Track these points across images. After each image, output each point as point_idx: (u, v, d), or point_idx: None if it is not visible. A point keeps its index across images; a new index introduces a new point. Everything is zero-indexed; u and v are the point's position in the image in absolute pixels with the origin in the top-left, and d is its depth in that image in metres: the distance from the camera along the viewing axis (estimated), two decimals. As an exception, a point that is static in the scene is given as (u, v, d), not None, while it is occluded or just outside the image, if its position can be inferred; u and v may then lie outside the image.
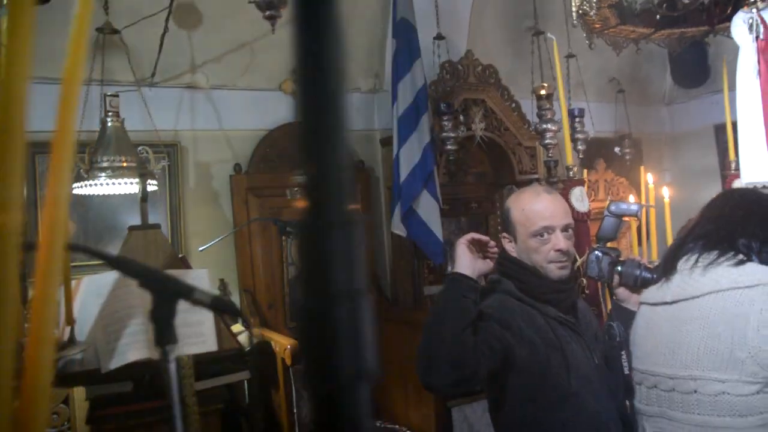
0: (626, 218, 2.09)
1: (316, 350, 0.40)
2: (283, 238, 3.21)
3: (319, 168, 0.41)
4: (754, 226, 1.72)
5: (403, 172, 3.36)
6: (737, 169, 2.73)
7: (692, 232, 1.83)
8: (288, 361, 2.72)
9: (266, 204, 3.56)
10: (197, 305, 0.89)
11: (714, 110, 4.60)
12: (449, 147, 3.46)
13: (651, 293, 1.80)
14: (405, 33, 3.51)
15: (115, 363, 1.83)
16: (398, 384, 3.50)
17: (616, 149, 4.71)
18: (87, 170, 2.57)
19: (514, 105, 4.00)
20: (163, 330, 0.89)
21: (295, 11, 0.42)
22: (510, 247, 1.90)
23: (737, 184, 2.98)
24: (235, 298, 3.52)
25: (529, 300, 1.82)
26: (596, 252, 2.00)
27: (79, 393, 2.44)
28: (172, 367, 0.91)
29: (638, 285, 1.91)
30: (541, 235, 1.81)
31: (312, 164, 0.42)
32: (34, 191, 3.05)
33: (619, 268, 1.94)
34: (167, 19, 2.98)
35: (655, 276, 1.86)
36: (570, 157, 2.43)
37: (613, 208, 2.05)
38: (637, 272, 1.91)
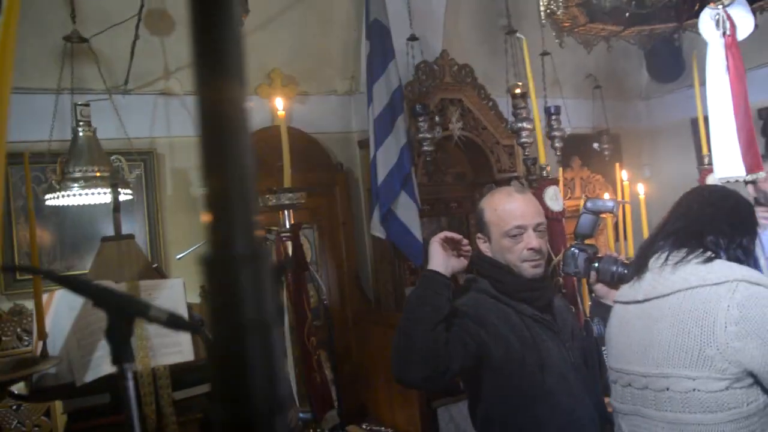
0: (603, 215, 2.11)
1: (227, 382, 0.40)
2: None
3: (222, 187, 0.41)
4: (721, 222, 1.74)
5: (381, 175, 3.36)
6: (710, 163, 2.76)
7: (663, 230, 1.85)
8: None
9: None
10: (153, 323, 0.89)
11: (690, 104, 4.61)
12: (426, 148, 3.46)
13: (624, 292, 1.82)
14: (378, 34, 3.51)
15: (91, 376, 1.82)
16: (383, 385, 3.51)
17: (595, 145, 4.73)
18: (59, 181, 2.54)
19: (491, 104, 4.01)
20: (119, 349, 0.89)
21: (191, 19, 0.41)
22: (485, 247, 1.92)
23: (710, 178, 3.02)
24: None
25: (504, 298, 1.84)
26: (573, 249, 2.02)
27: (57, 406, 2.42)
28: (130, 385, 0.90)
29: (615, 281, 1.93)
30: (514, 235, 1.84)
31: (215, 181, 0.41)
32: (8, 203, 3.02)
33: (596, 264, 1.96)
34: (137, 26, 2.96)
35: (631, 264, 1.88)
36: (543, 157, 2.44)
37: (589, 205, 2.07)
38: (614, 268, 1.93)
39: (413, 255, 3.43)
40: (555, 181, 2.40)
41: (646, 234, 2.81)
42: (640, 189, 2.89)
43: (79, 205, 2.98)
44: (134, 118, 3.35)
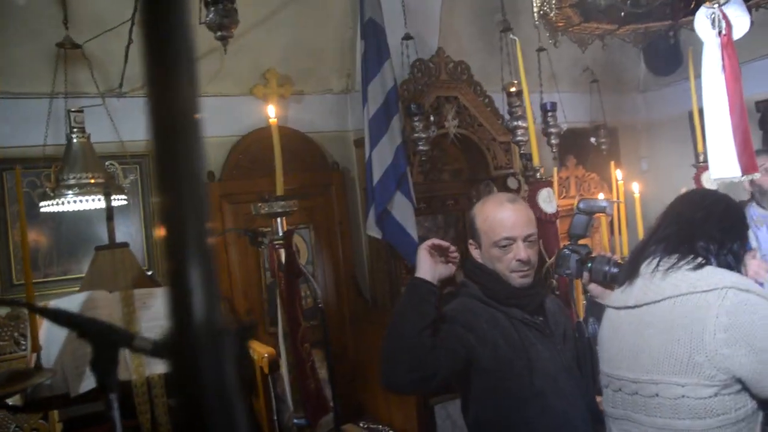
0: (596, 215, 2.11)
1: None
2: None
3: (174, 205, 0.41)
4: (712, 228, 1.74)
5: (376, 174, 3.36)
6: (706, 161, 2.75)
7: (654, 235, 1.86)
8: (266, 369, 2.72)
9: (240, 211, 3.54)
10: (138, 353, 0.90)
11: (688, 97, 4.61)
12: (421, 148, 3.46)
13: (615, 297, 1.83)
14: (373, 34, 3.49)
15: (85, 386, 1.83)
16: (380, 384, 3.52)
17: (592, 139, 4.72)
18: (53, 188, 2.55)
19: (487, 101, 3.99)
20: (105, 379, 0.89)
21: (143, 30, 0.41)
22: (476, 253, 1.94)
23: (706, 176, 3.01)
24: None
25: (493, 303, 1.87)
26: (565, 250, 2.03)
27: (54, 412, 2.44)
28: (116, 414, 0.91)
29: (608, 280, 1.94)
30: (504, 246, 1.85)
31: (167, 197, 0.41)
32: (2, 208, 3.02)
33: (589, 264, 1.97)
34: (131, 30, 2.95)
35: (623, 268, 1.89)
36: (537, 159, 2.43)
37: (582, 205, 2.07)
38: (606, 268, 1.94)
39: (409, 255, 3.43)
40: (549, 183, 2.40)
41: (641, 231, 2.82)
42: (635, 188, 2.89)
43: (75, 210, 2.99)
44: (129, 122, 3.34)
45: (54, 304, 1.93)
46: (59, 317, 0.95)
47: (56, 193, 2.55)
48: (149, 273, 2.48)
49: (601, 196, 2.90)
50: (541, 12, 2.47)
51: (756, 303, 1.55)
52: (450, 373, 1.77)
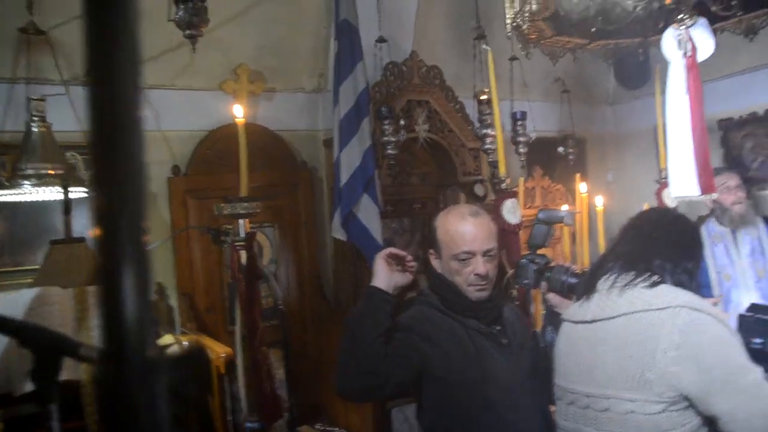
0: (556, 225, 2.14)
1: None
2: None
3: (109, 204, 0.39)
4: (668, 247, 1.78)
5: (344, 176, 3.35)
6: (666, 178, 2.81)
7: (612, 252, 1.89)
8: (222, 369, 2.69)
9: (206, 206, 3.48)
10: (83, 362, 0.87)
11: (655, 112, 4.71)
12: (390, 151, 3.46)
13: (573, 311, 1.86)
14: (347, 35, 3.48)
15: (30, 386, 1.78)
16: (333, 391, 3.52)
17: (560, 149, 4.77)
18: (9, 177, 2.47)
19: (458, 107, 4.01)
20: (45, 389, 0.87)
21: (84, 18, 0.40)
22: (436, 263, 1.96)
23: (667, 193, 3.08)
24: (173, 302, 3.46)
25: (451, 313, 1.88)
26: (524, 260, 2.05)
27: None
28: (56, 426, 0.88)
29: (565, 290, 1.97)
30: (463, 259, 1.87)
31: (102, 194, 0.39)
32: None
33: (548, 274, 1.99)
34: (98, 17, 2.87)
35: (580, 281, 1.92)
36: (503, 168, 2.45)
37: (542, 215, 2.10)
38: (564, 278, 1.97)
39: (372, 258, 3.41)
40: (514, 194, 2.42)
41: (602, 243, 2.87)
42: (599, 201, 2.94)
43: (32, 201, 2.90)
44: (93, 111, 3.25)
45: (1, 297, 1.88)
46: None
47: (12, 182, 2.48)
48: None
49: (564, 207, 2.93)
50: (514, 24, 2.49)
51: (707, 323, 1.59)
52: (403, 382, 1.79)
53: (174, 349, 2.55)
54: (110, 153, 0.40)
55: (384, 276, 1.80)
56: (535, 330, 2.13)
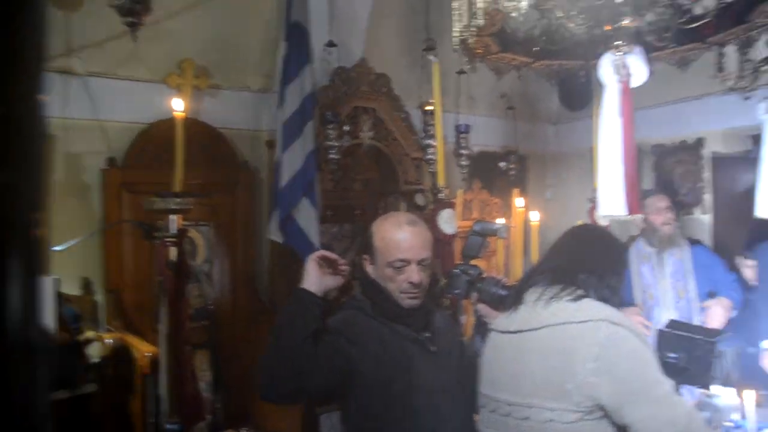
0: (490, 237, 2.17)
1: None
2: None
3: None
4: (594, 262, 1.84)
5: (284, 178, 3.32)
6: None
7: (541, 265, 1.94)
8: (146, 369, 2.62)
9: (142, 201, 3.38)
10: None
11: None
12: (332, 156, 3.45)
13: (500, 321, 1.88)
14: (297, 37, 3.46)
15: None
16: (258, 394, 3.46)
17: (502, 164, 4.87)
18: None
19: (404, 116, 4.04)
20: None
21: None
22: (370, 269, 1.95)
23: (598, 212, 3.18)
24: (100, 298, 3.34)
25: (381, 318, 1.88)
26: (457, 270, 2.07)
27: None
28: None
29: (495, 301, 1.99)
30: (397, 267, 1.87)
31: None
32: None
33: (479, 285, 2.02)
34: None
35: (510, 293, 1.95)
36: (442, 179, 2.48)
37: (477, 227, 2.12)
38: (495, 289, 1.99)
39: (309, 261, 3.41)
40: (450, 204, 2.45)
41: (535, 257, 2.93)
42: (534, 216, 3.01)
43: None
44: None
45: None
46: None
47: None
48: None
49: (500, 220, 2.99)
50: (461, 38, 2.53)
51: (625, 337, 1.64)
52: (329, 385, 1.78)
53: (95, 346, 2.47)
54: (5, 136, 0.38)
55: (315, 278, 1.79)
56: (462, 339, 2.15)
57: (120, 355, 2.87)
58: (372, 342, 1.83)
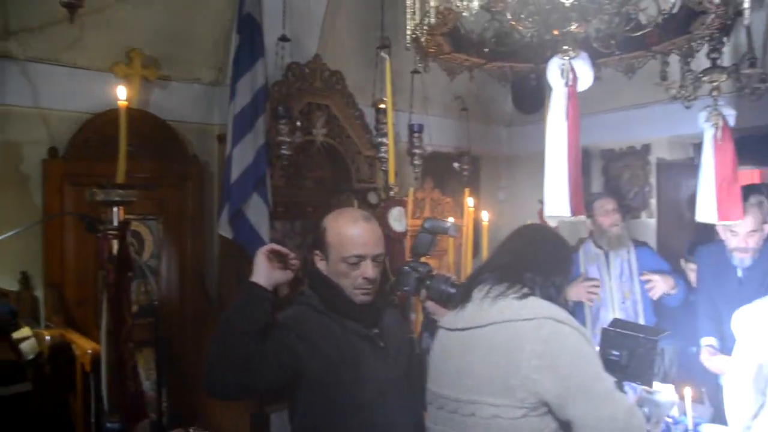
0: (440, 235, 2.18)
1: None
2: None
3: None
4: (540, 261, 1.86)
5: (235, 173, 3.27)
6: (545, 200, 2.95)
7: (489, 264, 1.96)
8: (87, 367, 2.53)
9: (85, 194, 3.28)
10: None
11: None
12: (284, 152, 3.41)
13: (448, 319, 1.90)
14: (249, 30, 3.41)
15: None
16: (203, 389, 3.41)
17: (456, 165, 4.91)
18: None
19: (357, 113, 4.03)
20: None
21: None
22: (322, 265, 1.94)
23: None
24: (39, 294, 3.22)
25: (330, 313, 1.87)
26: (406, 267, 2.07)
27: None
28: None
29: (444, 299, 2.00)
30: (353, 263, 1.86)
31: None
32: None
33: (428, 282, 2.02)
34: None
35: (458, 291, 1.96)
36: (392, 177, 2.49)
37: (427, 224, 2.13)
38: (444, 287, 2.00)
39: (259, 256, 3.37)
40: (400, 202, 2.46)
41: (485, 256, 2.97)
42: (485, 216, 3.04)
43: None
44: None
45: None
46: None
47: None
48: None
49: (451, 219, 3.01)
50: (413, 36, 2.53)
51: (568, 334, 1.67)
52: (278, 381, 1.75)
53: (31, 343, 2.38)
54: None
55: (264, 272, 1.77)
56: (412, 335, 2.16)
57: (60, 352, 2.78)
58: (321, 338, 1.82)
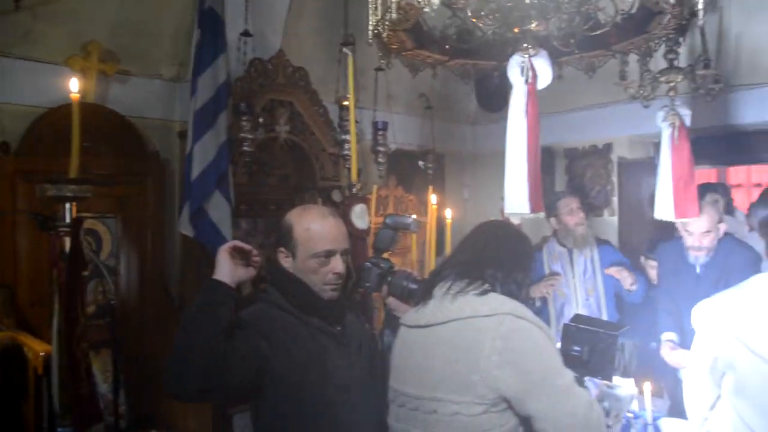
0: (402, 231, 2.18)
1: None
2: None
3: None
4: (502, 258, 1.87)
5: (196, 170, 3.22)
6: (508, 197, 2.97)
7: (450, 260, 1.96)
8: (39, 370, 2.45)
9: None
10: None
11: (509, 135, 5.00)
12: (246, 148, 3.36)
13: (409, 316, 1.89)
14: (211, 24, 3.36)
15: None
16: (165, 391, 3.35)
17: (420, 163, 4.92)
18: None
19: (321, 110, 4.00)
20: None
21: None
22: (287, 262, 1.91)
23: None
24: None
25: (293, 310, 1.85)
26: (368, 263, 2.07)
27: None
28: None
29: (405, 295, 2.00)
30: (322, 257, 1.84)
31: None
32: None
33: (389, 278, 2.02)
34: None
35: (420, 287, 1.96)
36: (355, 174, 2.47)
37: (389, 220, 2.13)
38: (405, 283, 2.00)
39: (221, 255, 3.32)
40: (363, 200, 2.44)
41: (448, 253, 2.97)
42: (448, 213, 3.05)
43: None
44: None
45: None
46: None
47: None
48: None
49: (413, 216, 3.01)
50: (375, 31, 2.51)
51: (529, 330, 1.68)
52: (242, 381, 1.71)
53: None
54: None
55: (227, 269, 1.72)
56: (374, 332, 2.15)
57: (11, 355, 2.69)
58: (286, 336, 1.80)
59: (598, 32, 2.48)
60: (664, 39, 2.74)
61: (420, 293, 1.92)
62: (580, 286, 3.69)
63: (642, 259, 3.84)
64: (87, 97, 3.33)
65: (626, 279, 3.50)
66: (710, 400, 2.11)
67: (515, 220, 3.19)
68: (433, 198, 2.83)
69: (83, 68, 3.44)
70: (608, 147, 5.13)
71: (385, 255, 2.12)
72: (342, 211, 2.53)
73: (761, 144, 4.24)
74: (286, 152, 3.90)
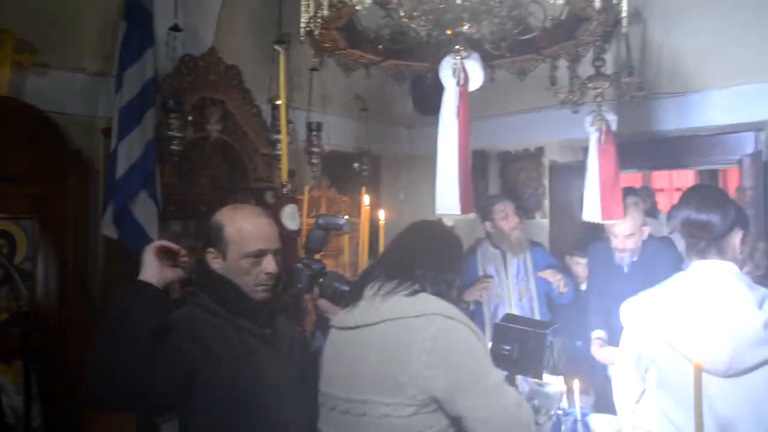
0: (334, 232, 2.15)
1: None
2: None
3: None
4: (431, 258, 1.87)
5: (121, 169, 3.09)
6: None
7: (380, 261, 1.95)
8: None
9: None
10: None
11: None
12: (174, 147, 3.25)
13: (339, 317, 1.87)
14: (138, 17, 3.24)
15: None
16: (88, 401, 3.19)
17: (356, 165, 4.90)
18: None
19: (255, 110, 3.92)
20: None
21: None
22: (217, 263, 1.85)
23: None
24: None
25: (222, 313, 1.80)
26: (299, 264, 2.04)
27: None
28: None
29: (336, 297, 1.98)
30: (255, 257, 1.80)
31: None
32: None
33: (321, 279, 2.00)
34: None
35: (351, 289, 1.94)
36: (285, 174, 2.43)
37: (321, 221, 2.11)
38: (337, 285, 1.99)
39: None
40: (293, 200, 2.40)
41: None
42: (381, 214, 3.03)
43: None
44: None
45: None
46: None
47: None
48: None
49: (346, 217, 2.99)
50: (308, 29, 2.47)
51: (458, 330, 1.69)
52: (170, 388, 1.64)
53: None
54: None
55: (154, 270, 1.66)
56: (305, 334, 2.12)
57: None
58: (216, 340, 1.75)
59: (528, 36, 2.52)
60: (591, 46, 2.82)
61: (350, 294, 1.90)
62: (513, 288, 3.75)
63: (567, 257, 3.95)
64: (0, 90, 3.15)
65: (560, 282, 3.59)
66: (636, 395, 2.19)
67: (448, 222, 3.21)
68: (366, 199, 2.81)
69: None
70: (540, 151, 5.24)
71: (317, 256, 2.10)
72: (270, 212, 2.48)
73: (682, 150, 4.44)
74: (218, 152, 3.80)
